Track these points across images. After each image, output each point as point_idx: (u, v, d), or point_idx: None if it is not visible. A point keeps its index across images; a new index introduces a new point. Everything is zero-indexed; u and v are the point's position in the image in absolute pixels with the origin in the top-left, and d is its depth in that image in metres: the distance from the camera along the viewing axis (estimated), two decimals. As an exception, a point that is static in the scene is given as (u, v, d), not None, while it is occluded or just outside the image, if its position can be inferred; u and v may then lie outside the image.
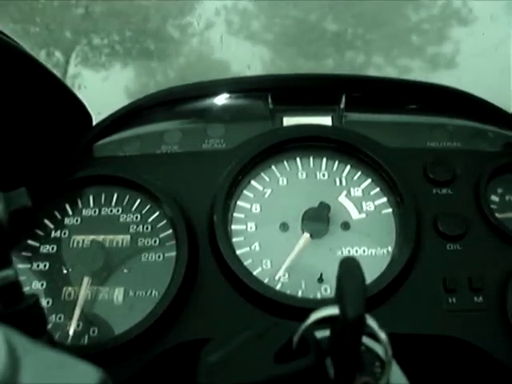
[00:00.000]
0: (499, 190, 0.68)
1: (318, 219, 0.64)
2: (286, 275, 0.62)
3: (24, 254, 0.63)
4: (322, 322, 0.37)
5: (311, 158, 0.70)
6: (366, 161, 0.68)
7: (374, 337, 0.38)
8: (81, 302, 0.59)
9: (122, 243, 0.63)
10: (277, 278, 0.61)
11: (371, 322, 0.35)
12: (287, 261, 0.62)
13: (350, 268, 0.34)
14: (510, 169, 0.69)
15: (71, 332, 0.58)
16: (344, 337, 0.34)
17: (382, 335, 0.35)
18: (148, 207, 0.66)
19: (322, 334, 0.38)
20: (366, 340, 0.38)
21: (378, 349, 0.38)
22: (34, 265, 0.62)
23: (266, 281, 0.61)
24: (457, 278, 0.60)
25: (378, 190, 0.68)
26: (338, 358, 0.36)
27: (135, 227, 0.64)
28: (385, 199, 0.67)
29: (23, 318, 0.38)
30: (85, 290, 0.60)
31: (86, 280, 0.60)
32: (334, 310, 0.35)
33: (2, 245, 0.38)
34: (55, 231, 0.65)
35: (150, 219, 0.65)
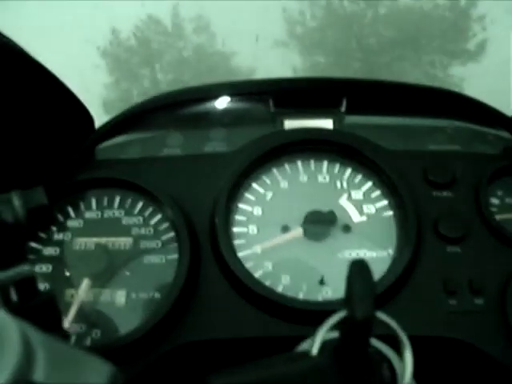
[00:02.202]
0: (499, 193, 0.68)
1: (319, 222, 0.65)
2: (288, 278, 0.62)
3: (27, 256, 0.63)
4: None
5: (312, 161, 0.70)
6: (367, 164, 0.69)
7: (382, 338, 0.38)
8: (77, 303, 0.59)
9: (125, 246, 0.64)
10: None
11: (392, 322, 0.36)
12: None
13: (359, 269, 0.34)
14: (509, 171, 0.69)
15: (66, 325, 0.58)
16: (352, 338, 0.34)
17: (402, 335, 0.35)
18: (150, 210, 0.66)
19: (330, 335, 0.39)
20: (375, 342, 0.39)
21: (387, 351, 0.39)
22: (37, 267, 0.62)
23: (267, 283, 0.61)
24: (457, 280, 0.60)
25: (378, 192, 0.68)
26: (346, 360, 0.36)
27: (137, 230, 0.65)
28: (385, 202, 0.67)
29: (38, 313, 0.39)
30: (83, 291, 0.60)
31: (85, 282, 0.61)
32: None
33: (19, 240, 0.39)
34: (58, 234, 0.65)
35: (153, 222, 0.65)
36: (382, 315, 0.38)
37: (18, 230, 0.39)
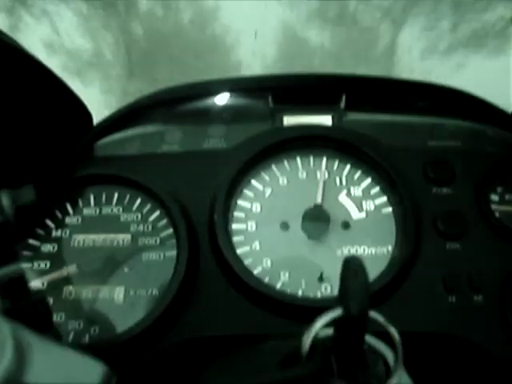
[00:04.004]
0: (499, 190, 0.68)
1: (319, 218, 0.65)
2: (287, 274, 0.62)
3: (25, 253, 0.63)
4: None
5: (311, 158, 0.70)
6: (366, 160, 0.68)
7: (378, 335, 0.38)
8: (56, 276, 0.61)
9: (123, 242, 0.64)
10: None
11: (380, 317, 0.35)
12: None
13: (353, 267, 0.34)
14: (509, 168, 0.69)
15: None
16: (347, 335, 0.34)
17: (392, 330, 0.35)
18: (149, 206, 0.66)
19: (326, 332, 0.38)
20: (369, 339, 0.38)
21: (382, 348, 0.39)
22: (35, 264, 0.62)
23: (266, 280, 0.61)
24: (456, 277, 0.60)
25: (377, 189, 0.68)
26: (341, 357, 0.36)
27: (136, 226, 0.65)
28: (385, 198, 0.67)
29: (30, 314, 0.39)
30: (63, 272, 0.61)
31: (71, 268, 0.61)
32: (338, 312, 0.35)
33: (8, 240, 0.39)
34: (56, 230, 0.65)
35: (151, 218, 0.65)
36: (371, 313, 0.38)
37: (7, 229, 0.39)
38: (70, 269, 0.62)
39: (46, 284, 0.61)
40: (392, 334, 0.35)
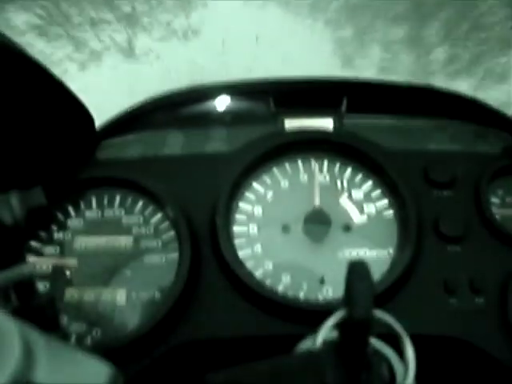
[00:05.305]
0: (499, 192, 0.68)
1: (320, 221, 0.65)
2: (288, 277, 0.62)
3: (27, 255, 0.63)
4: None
5: (312, 161, 0.70)
6: (367, 163, 0.69)
7: (384, 338, 0.38)
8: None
9: (125, 245, 0.64)
10: None
11: (391, 320, 0.36)
12: None
13: (358, 270, 0.35)
14: (510, 171, 0.69)
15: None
16: (352, 337, 0.34)
17: (403, 333, 0.35)
18: (150, 209, 0.66)
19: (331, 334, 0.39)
20: (373, 341, 0.39)
21: (386, 350, 0.39)
22: (37, 266, 0.62)
23: (267, 283, 0.61)
24: (457, 280, 0.60)
25: (378, 192, 0.68)
26: (345, 359, 0.36)
27: (138, 229, 0.65)
28: (386, 201, 0.67)
29: (38, 314, 0.39)
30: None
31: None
32: (344, 315, 0.35)
33: (18, 241, 0.39)
34: (58, 233, 0.65)
35: (153, 221, 0.65)
36: (381, 314, 0.39)
37: (17, 230, 0.39)
38: (72, 271, 0.62)
39: (47, 286, 0.61)
40: (399, 333, 0.36)
